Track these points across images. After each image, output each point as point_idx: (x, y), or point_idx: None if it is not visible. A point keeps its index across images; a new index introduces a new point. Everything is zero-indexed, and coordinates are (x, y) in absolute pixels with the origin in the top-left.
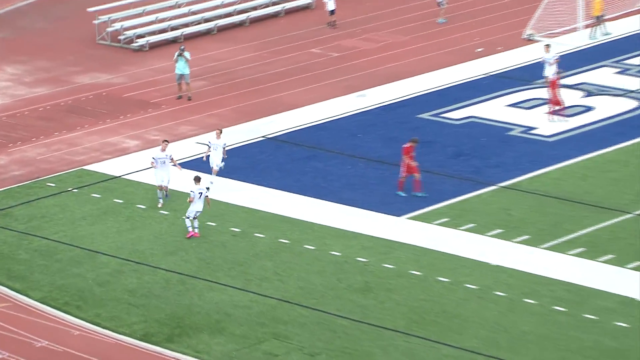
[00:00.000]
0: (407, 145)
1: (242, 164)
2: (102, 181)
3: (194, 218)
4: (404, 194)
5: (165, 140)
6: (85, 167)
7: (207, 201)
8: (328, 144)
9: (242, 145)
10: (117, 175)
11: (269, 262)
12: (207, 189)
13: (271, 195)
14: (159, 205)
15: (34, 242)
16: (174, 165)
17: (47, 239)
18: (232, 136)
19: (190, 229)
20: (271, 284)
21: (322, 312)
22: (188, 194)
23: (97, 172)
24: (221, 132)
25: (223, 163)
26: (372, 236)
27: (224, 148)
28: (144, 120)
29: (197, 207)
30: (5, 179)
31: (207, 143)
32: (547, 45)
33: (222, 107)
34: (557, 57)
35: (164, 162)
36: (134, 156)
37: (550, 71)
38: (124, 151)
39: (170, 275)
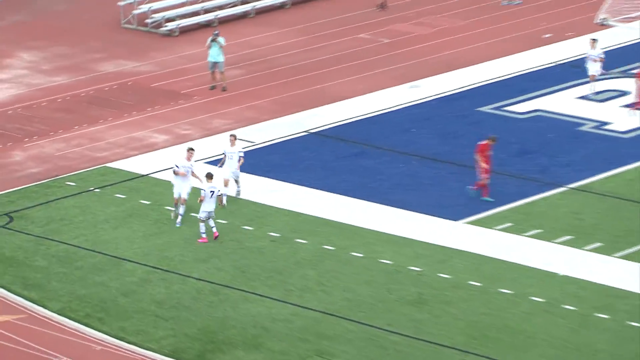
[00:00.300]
0: (484, 142)
1: (283, 161)
2: (127, 180)
3: (207, 219)
4: (490, 199)
5: (191, 149)
6: (108, 165)
7: (220, 200)
8: (378, 139)
9: (283, 141)
10: (144, 173)
11: (312, 270)
12: (219, 191)
13: (315, 196)
14: (172, 217)
15: (51, 247)
16: (195, 177)
17: (66, 243)
18: (272, 131)
19: (203, 235)
20: (314, 295)
21: (371, 326)
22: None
23: (121, 170)
24: (236, 139)
25: (238, 174)
26: (427, 242)
27: (240, 156)
28: (173, 113)
29: (208, 207)
30: (21, 177)
31: (223, 152)
32: (593, 40)
33: (260, 99)
34: (602, 56)
35: (187, 172)
36: (162, 152)
37: (594, 68)
38: (152, 147)
39: (202, 285)
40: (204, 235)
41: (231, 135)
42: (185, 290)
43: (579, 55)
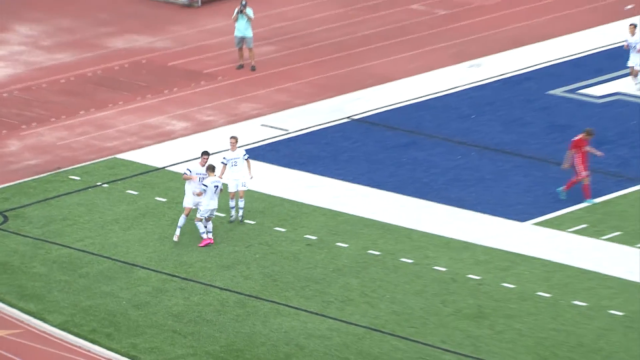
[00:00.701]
0: (578, 137)
1: (321, 152)
2: (140, 174)
3: (209, 218)
4: (594, 200)
5: (206, 153)
6: (118, 156)
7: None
8: (431, 127)
9: (321, 129)
10: (160, 166)
11: (354, 279)
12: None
13: (358, 193)
14: (175, 239)
15: (52, 251)
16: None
17: (69, 247)
18: (308, 117)
19: (204, 235)
20: (357, 307)
21: (423, 344)
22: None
23: (134, 162)
24: (237, 141)
25: (246, 186)
26: (488, 247)
27: (246, 160)
28: (194, 96)
29: (212, 204)
30: (18, 170)
31: (222, 160)
32: (633, 26)
33: (295, 80)
34: None
35: (203, 179)
36: (181, 142)
37: (635, 60)
38: (169, 135)
39: (227, 296)
40: (205, 236)
41: (232, 138)
42: (207, 302)
43: None
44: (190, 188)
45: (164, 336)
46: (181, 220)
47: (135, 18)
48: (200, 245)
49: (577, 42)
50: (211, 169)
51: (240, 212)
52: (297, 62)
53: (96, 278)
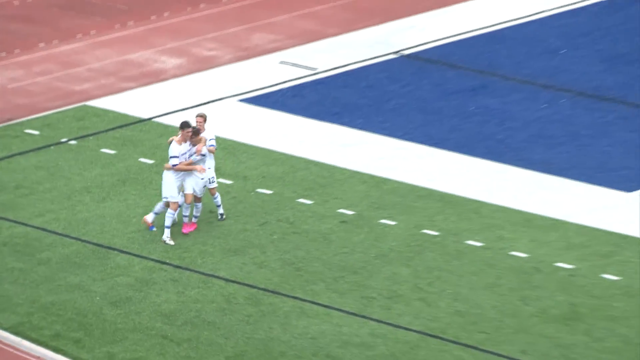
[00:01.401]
0: None
1: (360, 99)
2: (119, 127)
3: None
4: None
5: (201, 115)
6: (90, 103)
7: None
8: (507, 65)
9: (360, 68)
10: (145, 117)
11: (405, 268)
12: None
13: (409, 152)
14: (168, 241)
15: (2, 230)
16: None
17: (25, 224)
18: (342, 52)
19: (186, 219)
20: (408, 306)
21: (496, 354)
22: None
23: (110, 111)
24: (204, 120)
25: (214, 183)
26: (583, 225)
27: (211, 146)
28: (190, 24)
29: (209, 171)
30: None
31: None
32: None
33: (324, 2)
34: None
35: (198, 157)
36: (172, 84)
37: None
38: (157, 76)
39: (235, 290)
40: (186, 220)
41: (199, 116)
42: (209, 298)
43: None
44: (175, 177)
45: (151, 343)
46: (170, 218)
47: None
48: (186, 230)
49: None
50: (196, 132)
51: (220, 210)
52: None
53: (61, 266)
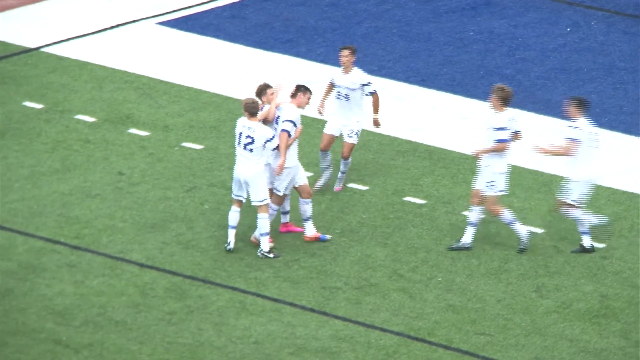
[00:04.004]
0: None
1: (320, 22)
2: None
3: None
4: None
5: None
6: None
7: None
8: None
9: None
10: (32, 46)
11: (380, 248)
12: None
13: (386, 93)
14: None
15: None
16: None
17: None
18: None
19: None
20: (385, 299)
21: None
22: None
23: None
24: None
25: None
26: (618, 190)
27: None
28: None
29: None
30: None
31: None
32: None
33: None
34: None
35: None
36: (68, 3)
37: None
38: None
39: (152, 278)
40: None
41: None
42: (117, 290)
43: None
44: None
45: (40, 350)
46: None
47: None
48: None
49: None
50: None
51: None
52: None
53: None
